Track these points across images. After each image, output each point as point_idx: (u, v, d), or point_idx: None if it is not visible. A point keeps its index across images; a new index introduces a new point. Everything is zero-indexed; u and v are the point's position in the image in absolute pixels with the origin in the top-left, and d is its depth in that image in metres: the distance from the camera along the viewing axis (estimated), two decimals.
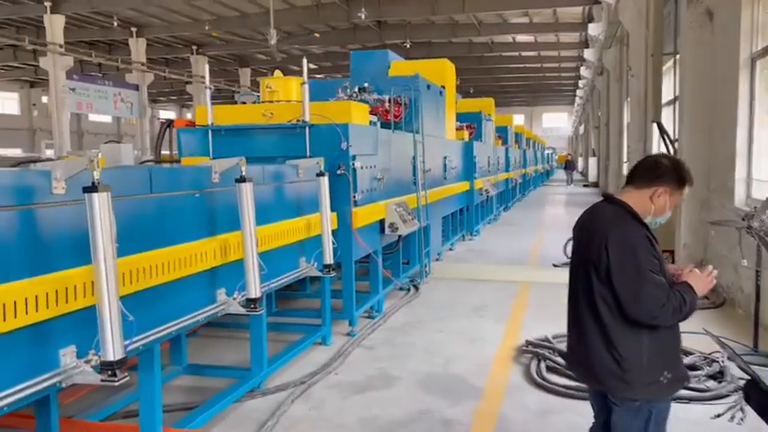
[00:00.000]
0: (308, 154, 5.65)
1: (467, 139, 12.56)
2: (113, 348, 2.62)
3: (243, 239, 3.85)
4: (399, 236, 6.96)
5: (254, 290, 3.88)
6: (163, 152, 6.38)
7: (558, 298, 7.51)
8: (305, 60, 5.61)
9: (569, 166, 37.26)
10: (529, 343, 5.43)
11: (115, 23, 26.42)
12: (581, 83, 43.88)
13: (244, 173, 3.83)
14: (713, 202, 7.44)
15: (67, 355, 2.68)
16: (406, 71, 8.55)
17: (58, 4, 24.22)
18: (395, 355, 5.46)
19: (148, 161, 5.78)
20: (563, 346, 5.27)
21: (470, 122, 13.53)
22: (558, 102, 69.62)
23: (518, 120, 43.23)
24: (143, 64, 29.81)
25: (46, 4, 23.85)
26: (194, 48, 33.15)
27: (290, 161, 5.08)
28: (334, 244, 5.17)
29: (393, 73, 8.68)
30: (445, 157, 10.00)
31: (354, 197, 5.76)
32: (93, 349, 2.71)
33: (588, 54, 30.17)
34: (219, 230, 3.91)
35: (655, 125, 9.79)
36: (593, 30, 24.82)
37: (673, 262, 9.59)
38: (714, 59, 7.88)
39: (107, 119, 45.22)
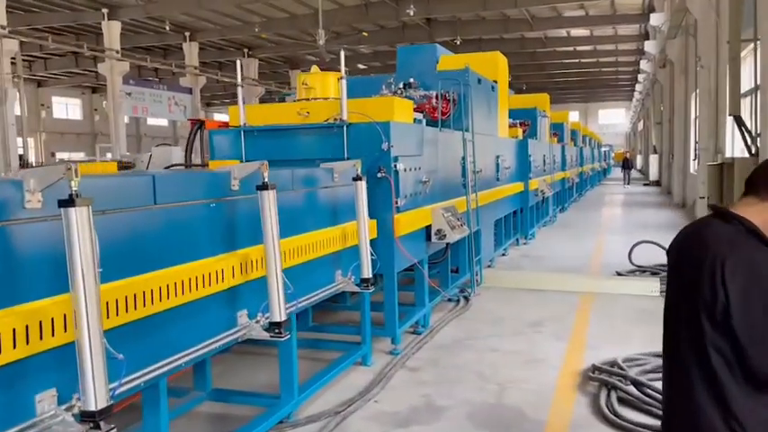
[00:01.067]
0: (345, 155, 5.16)
1: (521, 136, 11.85)
2: (95, 396, 2.17)
3: (266, 255, 3.38)
4: (447, 243, 6.40)
5: (279, 312, 3.40)
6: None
7: (625, 312, 6.84)
8: (342, 53, 5.12)
9: (627, 164, 35.06)
10: (596, 368, 4.76)
11: (167, 27, 26.76)
12: (640, 77, 42.07)
13: (266, 179, 3.36)
14: None
15: (45, 401, 2.24)
16: (456, 65, 7.96)
17: (115, 11, 24.74)
18: (442, 379, 4.89)
19: (176, 165, 5.40)
20: (635, 372, 4.60)
21: (524, 119, 12.82)
22: (615, 97, 67.34)
23: (573, 116, 41.73)
24: (196, 68, 30.18)
25: (103, 11, 24.40)
26: (245, 51, 33.40)
27: (324, 164, 4.59)
28: (372, 256, 4.65)
29: (442, 67, 8.11)
30: (498, 157, 9.35)
31: (397, 202, 5.23)
32: (78, 393, 2.24)
33: (649, 46, 28.68)
34: (240, 245, 3.46)
35: (731, 119, 8.85)
36: (656, 20, 23.51)
37: None
38: None
39: (164, 122, 46.20)
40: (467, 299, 7.35)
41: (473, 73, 7.84)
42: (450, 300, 7.28)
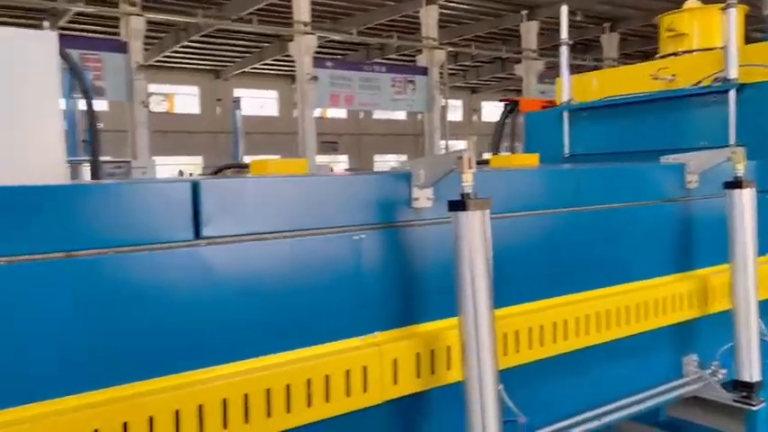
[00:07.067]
0: (730, 142, 2.92)
1: None
2: (751, 368, 2.27)
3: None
4: None
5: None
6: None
7: None
8: None
9: None
10: None
11: (578, 18, 25.29)
12: None
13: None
14: None
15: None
16: None
17: (534, 12, 24.79)
18: None
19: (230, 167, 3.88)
20: None
21: None
22: None
23: None
24: (614, 60, 27.65)
25: (522, 12, 24.85)
26: (606, 26, 27.99)
27: (665, 157, 2.50)
28: (764, 336, 2.34)
29: None
30: None
31: None
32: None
33: None
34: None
35: None
36: None
37: None
38: None
39: (398, 115, 33.70)
40: None
41: None
42: None
